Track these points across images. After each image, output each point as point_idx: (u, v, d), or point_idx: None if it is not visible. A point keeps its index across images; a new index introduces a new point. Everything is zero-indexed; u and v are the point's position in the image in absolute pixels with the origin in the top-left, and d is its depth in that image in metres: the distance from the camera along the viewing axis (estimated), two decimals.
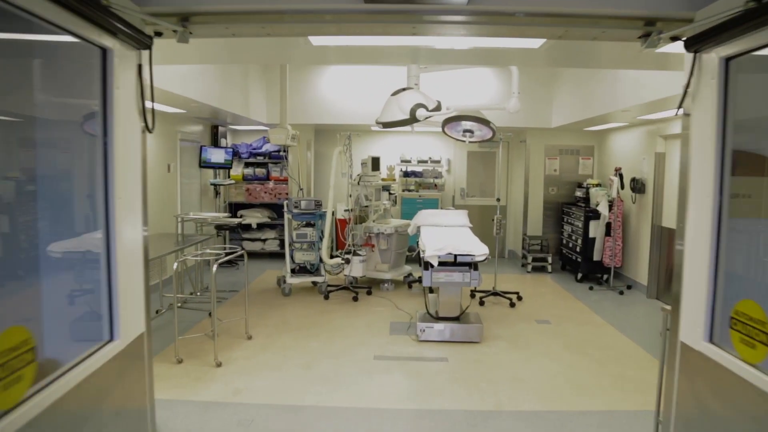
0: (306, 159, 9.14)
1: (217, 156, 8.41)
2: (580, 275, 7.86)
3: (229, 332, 5.39)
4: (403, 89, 4.71)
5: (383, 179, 8.00)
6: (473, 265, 4.97)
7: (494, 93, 8.18)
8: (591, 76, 6.75)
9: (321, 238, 6.84)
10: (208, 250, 5.39)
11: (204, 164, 8.24)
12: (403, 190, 9.43)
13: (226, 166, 8.62)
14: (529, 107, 8.19)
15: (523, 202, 9.08)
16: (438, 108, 4.76)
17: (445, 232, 5.77)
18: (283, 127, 7.34)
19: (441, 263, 4.94)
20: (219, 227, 8.58)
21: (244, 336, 5.27)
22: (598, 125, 7.88)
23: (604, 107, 6.34)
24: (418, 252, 5.89)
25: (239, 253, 5.20)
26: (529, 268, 8.57)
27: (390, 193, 7.83)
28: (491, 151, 9.86)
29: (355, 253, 6.75)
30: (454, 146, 9.86)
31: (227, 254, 5.04)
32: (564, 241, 8.59)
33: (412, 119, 4.49)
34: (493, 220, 6.65)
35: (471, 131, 5.88)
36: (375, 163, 7.58)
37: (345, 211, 6.80)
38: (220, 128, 8.88)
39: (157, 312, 5.94)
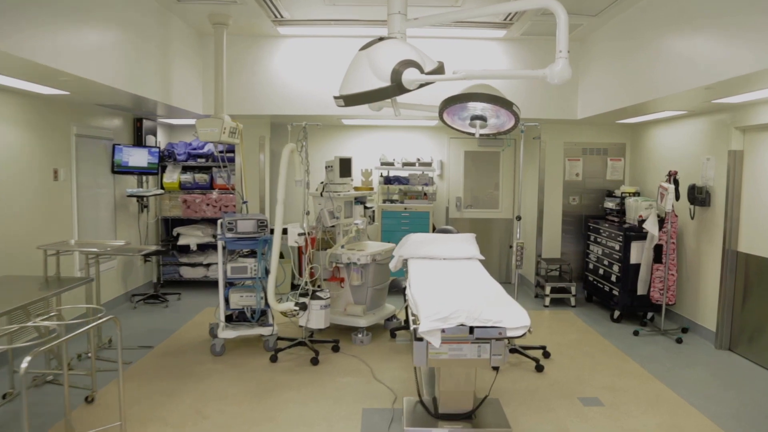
0: (258, 161, 7.12)
1: (138, 158, 6.36)
2: (617, 313, 5.95)
3: None
4: (380, 39, 2.74)
5: (357, 188, 6.01)
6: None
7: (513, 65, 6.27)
8: (638, 47, 4.85)
9: (268, 273, 4.84)
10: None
11: (118, 169, 6.19)
12: (384, 201, 7.46)
13: (151, 171, 6.57)
14: (545, 92, 6.28)
15: (537, 216, 7.16)
16: (440, 71, 2.81)
17: (449, 275, 3.79)
18: (217, 118, 5.33)
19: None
20: (145, 255, 6.52)
21: None
22: (636, 116, 6.00)
23: (657, 89, 4.44)
24: (404, 288, 3.94)
25: (105, 319, 3.19)
26: (547, 301, 6.64)
27: (366, 207, 5.87)
28: (494, 151, 7.93)
29: (314, 296, 4.75)
30: (447, 145, 7.92)
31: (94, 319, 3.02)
32: (591, 266, 6.68)
33: (397, 88, 2.54)
34: (511, 246, 4.70)
35: (483, 118, 3.94)
36: (344, 166, 5.60)
37: (299, 235, 4.82)
38: (146, 123, 6.83)
39: (3, 397, 3.89)
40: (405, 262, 4.42)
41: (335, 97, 2.79)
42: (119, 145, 6.15)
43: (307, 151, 4.90)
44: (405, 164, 7.46)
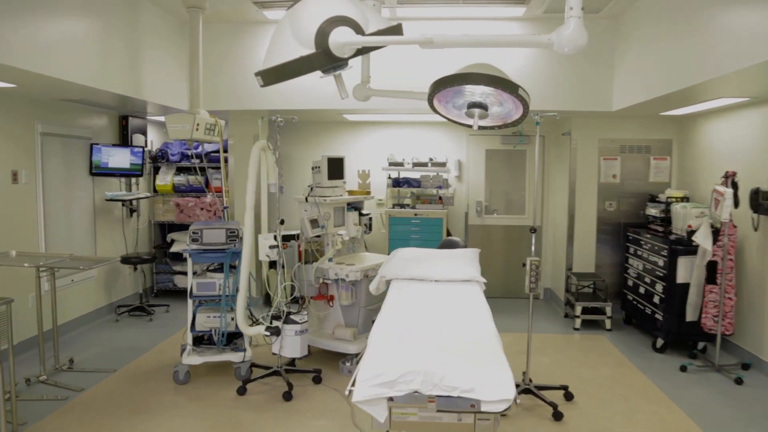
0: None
1: (119, 158, 5.82)
2: (660, 341, 5.00)
3: None
4: None
5: (352, 192, 5.27)
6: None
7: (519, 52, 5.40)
8: (687, 18, 3.92)
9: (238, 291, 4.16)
10: None
11: (97, 171, 5.66)
12: (394, 206, 6.70)
13: (134, 173, 6.02)
14: (573, 80, 5.38)
15: (567, 224, 6.24)
16: (397, 31, 2.04)
17: (428, 307, 2.98)
18: (189, 113, 4.69)
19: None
20: (133, 263, 5.99)
21: None
22: (685, 106, 5.02)
23: (712, 67, 3.51)
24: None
25: None
26: (577, 323, 5.72)
27: (362, 214, 5.12)
28: (520, 149, 7.04)
29: (288, 319, 4.03)
30: (466, 142, 7.09)
31: None
32: (630, 283, 5.72)
33: (324, 56, 1.79)
34: (524, 264, 3.87)
35: (483, 106, 3.15)
36: (335, 167, 4.88)
37: (271, 248, 4.12)
38: (133, 121, 6.30)
39: None
40: (388, 285, 3.64)
41: (255, 75, 2.07)
42: (97, 144, 5.63)
43: (279, 151, 4.20)
44: (416, 165, 6.66)
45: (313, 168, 4.85)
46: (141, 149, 6.00)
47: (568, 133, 6.13)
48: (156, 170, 6.82)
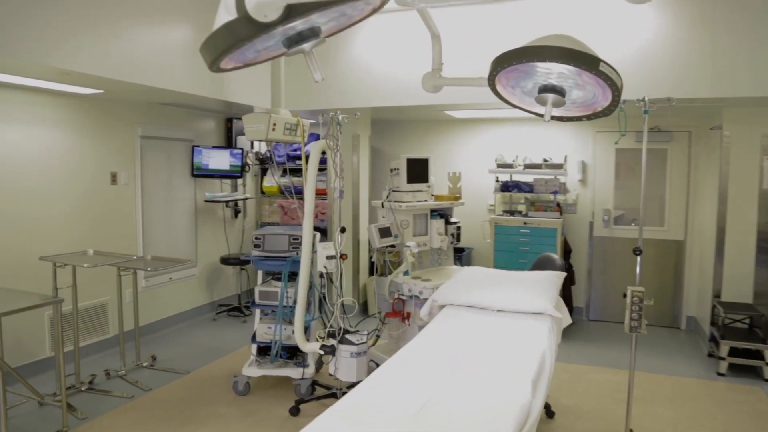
0: (351, 163, 6.21)
1: (219, 160, 5.92)
2: None
3: None
4: None
5: (439, 197, 4.70)
6: None
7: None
8: None
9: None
10: None
11: (198, 172, 5.81)
12: (503, 212, 5.97)
13: (234, 175, 6.09)
14: (725, 59, 4.20)
15: (716, 238, 5.00)
16: None
17: (462, 351, 2.32)
18: (266, 113, 4.51)
19: None
20: (231, 263, 6.08)
21: None
22: None
23: None
24: None
25: None
26: (723, 367, 4.51)
27: (449, 222, 4.54)
28: (660, 148, 5.88)
29: (343, 338, 3.62)
30: (592, 140, 6.09)
31: None
32: None
33: (247, 23, 1.35)
34: (624, 295, 3.02)
35: (558, 90, 2.45)
36: (416, 169, 4.38)
37: (329, 258, 3.75)
38: (237, 123, 6.40)
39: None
40: (440, 311, 3.04)
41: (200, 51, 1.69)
42: (198, 146, 5.77)
43: (340, 150, 3.81)
44: (527, 166, 5.85)
45: (391, 170, 4.41)
46: (241, 151, 6.05)
47: (719, 126, 4.91)
48: (264, 171, 6.89)
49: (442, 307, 3.05)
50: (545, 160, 5.89)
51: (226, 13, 1.43)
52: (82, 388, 4.04)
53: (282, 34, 1.61)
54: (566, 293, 5.93)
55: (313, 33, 1.61)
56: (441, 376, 2.00)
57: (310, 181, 3.73)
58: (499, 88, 2.67)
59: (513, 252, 5.73)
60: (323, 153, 3.80)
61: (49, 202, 4.37)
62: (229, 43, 1.42)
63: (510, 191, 5.96)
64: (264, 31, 1.38)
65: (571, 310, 5.92)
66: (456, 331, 2.54)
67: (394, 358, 2.19)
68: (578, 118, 2.79)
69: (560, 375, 4.42)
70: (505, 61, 2.35)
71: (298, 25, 1.56)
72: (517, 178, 6.03)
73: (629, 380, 3.09)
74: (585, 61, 2.21)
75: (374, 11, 1.67)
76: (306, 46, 1.64)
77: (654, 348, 5.14)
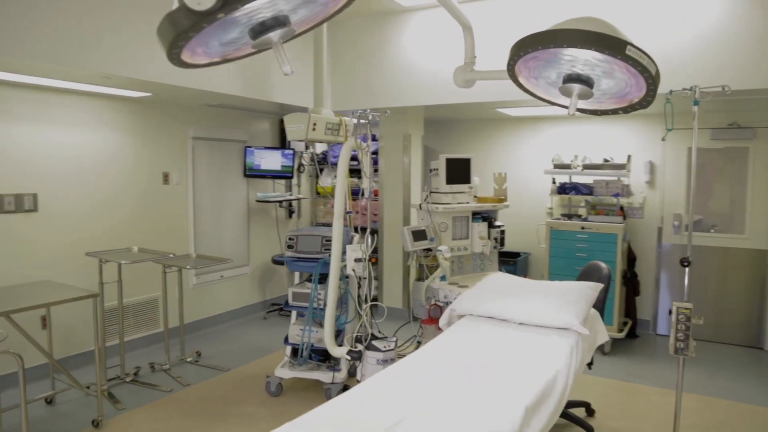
0: (402, 164, 6.08)
1: (271, 161, 5.99)
2: None
3: None
4: None
5: (482, 199, 4.47)
6: None
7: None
8: None
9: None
10: None
11: (250, 172, 5.92)
12: (561, 216, 5.62)
13: (285, 175, 6.14)
14: None
15: None
16: None
17: (471, 371, 2.14)
18: (314, 112, 4.47)
19: None
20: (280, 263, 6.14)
21: None
22: None
23: None
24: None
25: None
26: None
27: (493, 226, 4.30)
28: (739, 147, 5.30)
29: (370, 345, 3.50)
30: (660, 139, 5.59)
31: None
32: None
33: (186, 13, 1.27)
34: (669, 312, 2.69)
35: (584, 80, 2.22)
36: (456, 169, 4.19)
37: (357, 261, 3.63)
38: None
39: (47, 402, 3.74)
40: (458, 320, 2.84)
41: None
42: (250, 147, 5.88)
43: (369, 150, 3.70)
44: (586, 167, 5.45)
45: (430, 170, 4.25)
46: (292, 152, 6.10)
47: None
48: (320, 172, 6.93)
49: (461, 317, 2.86)
50: (606, 161, 5.47)
51: (176, 3, 1.37)
52: (127, 380, 4.20)
53: (246, 25, 1.52)
54: (629, 305, 5.48)
55: (277, 22, 1.51)
56: (428, 394, 1.84)
57: (339, 182, 3.65)
58: (521, 79, 2.46)
59: (569, 258, 5.37)
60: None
61: (103, 202, 4.59)
62: (172, 34, 1.35)
63: (567, 193, 5.59)
64: (204, 21, 1.29)
65: (635, 323, 5.48)
66: (463, 345, 2.35)
67: (385, 371, 2.04)
68: (614, 111, 2.52)
69: (613, 394, 4.06)
70: (521, 48, 2.16)
71: (259, 14, 1.46)
72: (576, 179, 5.65)
73: (675, 405, 2.74)
74: (608, 44, 1.97)
75: None
76: (273, 35, 1.54)
77: (734, 371, 4.62)
